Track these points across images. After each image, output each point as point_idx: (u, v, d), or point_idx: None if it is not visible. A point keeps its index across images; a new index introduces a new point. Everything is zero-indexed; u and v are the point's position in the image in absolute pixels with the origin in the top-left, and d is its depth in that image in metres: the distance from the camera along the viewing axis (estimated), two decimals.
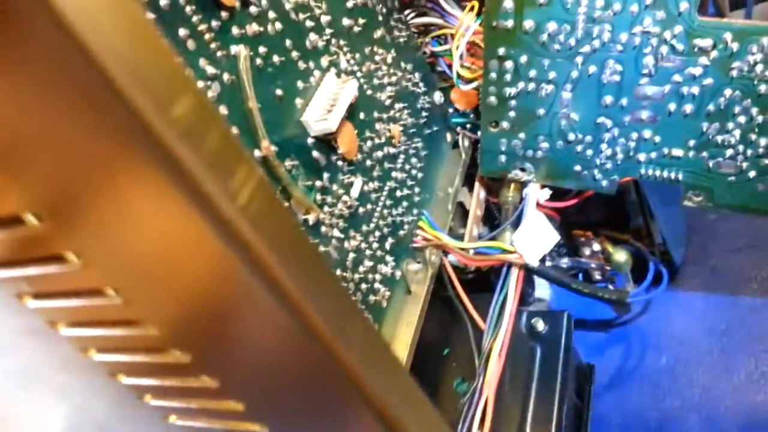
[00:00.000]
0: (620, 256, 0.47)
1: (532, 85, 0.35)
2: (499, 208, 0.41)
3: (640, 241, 0.50)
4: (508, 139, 0.38)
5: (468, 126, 0.43)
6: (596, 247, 0.48)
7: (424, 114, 0.40)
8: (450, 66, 0.40)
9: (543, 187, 0.40)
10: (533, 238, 0.37)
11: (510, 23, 0.34)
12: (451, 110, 0.43)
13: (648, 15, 0.32)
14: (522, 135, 0.38)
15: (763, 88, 0.32)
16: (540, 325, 0.41)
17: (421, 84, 0.40)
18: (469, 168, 0.43)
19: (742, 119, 0.33)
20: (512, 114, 0.37)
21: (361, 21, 0.35)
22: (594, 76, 0.34)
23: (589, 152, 0.37)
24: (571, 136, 0.37)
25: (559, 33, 0.33)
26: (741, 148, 0.34)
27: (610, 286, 0.47)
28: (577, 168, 0.38)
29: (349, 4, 0.34)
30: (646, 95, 0.34)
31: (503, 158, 0.39)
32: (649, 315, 0.50)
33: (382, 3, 0.37)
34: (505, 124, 0.37)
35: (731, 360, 0.47)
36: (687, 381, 0.48)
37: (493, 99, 0.37)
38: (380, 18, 0.37)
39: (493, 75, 0.36)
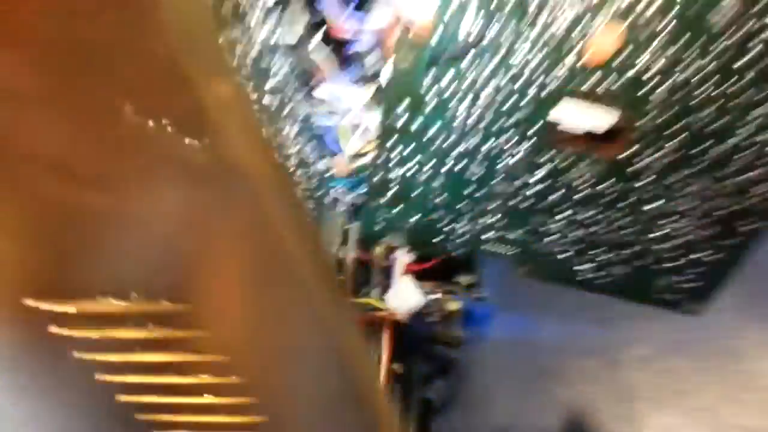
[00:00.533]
0: (453, 304, 0.56)
1: (412, 172, 0.42)
2: (373, 267, 0.48)
3: (470, 291, 0.59)
4: (386, 211, 0.45)
5: (350, 191, 0.49)
6: (436, 296, 0.57)
7: (314, 179, 0.45)
8: (338, 140, 0.45)
9: (410, 251, 0.47)
10: (401, 297, 0.44)
11: (402, 122, 0.40)
12: (336, 176, 0.48)
13: (511, 132, 0.40)
14: (398, 209, 0.44)
15: (581, 195, 0.42)
16: (397, 367, 0.48)
17: (313, 153, 0.45)
18: (348, 228, 0.49)
19: (566, 214, 0.43)
20: (392, 192, 0.44)
21: (276, 99, 0.39)
22: (461, 171, 0.42)
23: (448, 229, 0.45)
24: (437, 215, 0.44)
25: (440, 135, 0.41)
26: (563, 236, 0.44)
27: (448, 331, 0.56)
28: (437, 239, 0.46)
29: (270, 84, 0.38)
30: (499, 192, 0.43)
31: (380, 225, 0.45)
32: (475, 354, 0.60)
33: (296, 80, 0.41)
34: (385, 200, 0.44)
35: (533, 392, 0.58)
36: (500, 407, 0.59)
37: (378, 179, 0.43)
38: (291, 95, 0.41)
39: (381, 160, 0.42)
